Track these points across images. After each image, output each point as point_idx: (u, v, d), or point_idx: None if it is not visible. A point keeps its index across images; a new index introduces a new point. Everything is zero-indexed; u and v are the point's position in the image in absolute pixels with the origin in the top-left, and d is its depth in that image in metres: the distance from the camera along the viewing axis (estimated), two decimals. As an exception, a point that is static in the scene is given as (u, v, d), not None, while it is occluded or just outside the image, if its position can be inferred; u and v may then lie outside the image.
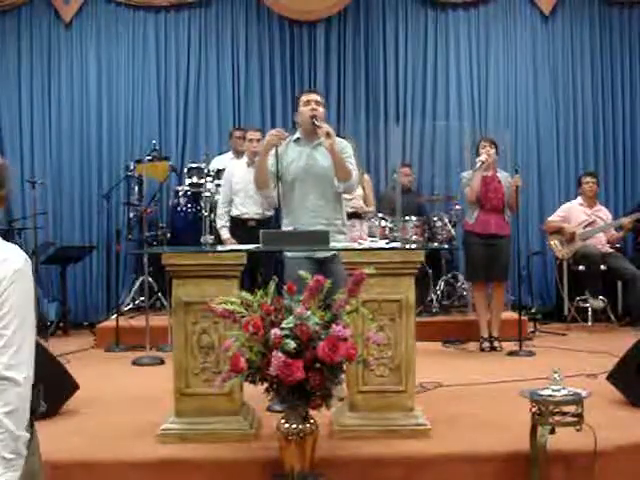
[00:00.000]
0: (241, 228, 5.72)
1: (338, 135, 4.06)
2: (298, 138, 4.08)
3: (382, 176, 7.37)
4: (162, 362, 5.16)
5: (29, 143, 7.42)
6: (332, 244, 3.65)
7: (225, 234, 5.80)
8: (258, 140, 5.68)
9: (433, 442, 3.25)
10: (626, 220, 6.64)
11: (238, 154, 6.36)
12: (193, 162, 7.04)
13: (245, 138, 6.04)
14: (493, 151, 5.67)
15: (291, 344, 2.68)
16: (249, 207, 5.79)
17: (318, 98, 4.06)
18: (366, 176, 5.65)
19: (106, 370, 5.14)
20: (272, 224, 5.76)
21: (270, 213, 5.85)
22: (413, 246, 3.90)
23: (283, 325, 2.74)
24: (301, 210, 3.97)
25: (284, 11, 7.48)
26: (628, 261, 6.56)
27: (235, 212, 5.84)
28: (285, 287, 2.90)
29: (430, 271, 6.49)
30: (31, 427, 1.95)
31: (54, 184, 7.36)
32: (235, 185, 5.79)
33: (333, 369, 2.77)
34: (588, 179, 6.77)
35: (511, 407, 3.50)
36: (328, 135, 3.83)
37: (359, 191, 5.57)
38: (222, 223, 5.87)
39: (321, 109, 4.01)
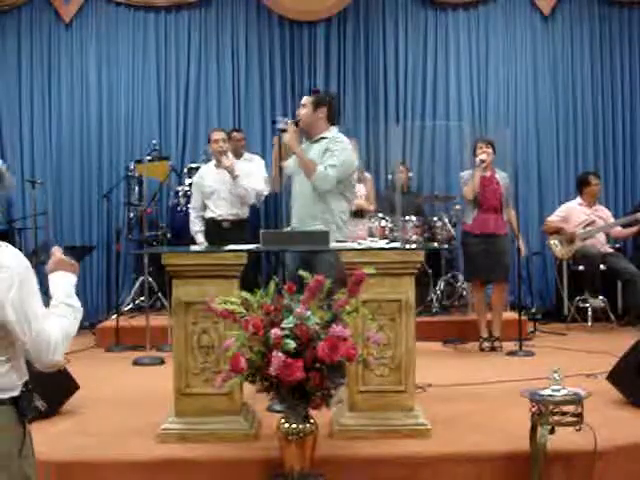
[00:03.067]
0: (216, 230, 5.72)
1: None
2: None
3: (382, 176, 7.37)
4: (162, 362, 5.17)
5: (29, 143, 7.41)
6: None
7: (200, 238, 5.81)
8: (224, 140, 5.71)
9: (433, 442, 3.25)
10: None
11: (237, 156, 6.38)
12: (193, 162, 7.05)
13: (231, 138, 6.08)
14: (490, 151, 5.69)
15: (291, 344, 2.68)
16: (222, 209, 5.78)
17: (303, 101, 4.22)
18: (367, 174, 5.63)
19: (106, 370, 5.14)
20: (247, 225, 5.79)
21: (245, 214, 5.87)
22: (413, 246, 3.90)
23: (283, 325, 2.74)
24: (296, 206, 4.18)
25: (284, 11, 7.48)
26: (628, 261, 6.56)
27: (209, 214, 5.84)
28: (285, 287, 2.91)
29: (430, 271, 6.49)
30: (24, 429, 1.94)
31: (54, 184, 7.36)
32: (207, 188, 5.79)
33: (333, 369, 2.77)
34: (597, 180, 6.77)
35: (511, 407, 3.51)
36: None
37: (361, 190, 5.54)
38: (196, 228, 5.88)
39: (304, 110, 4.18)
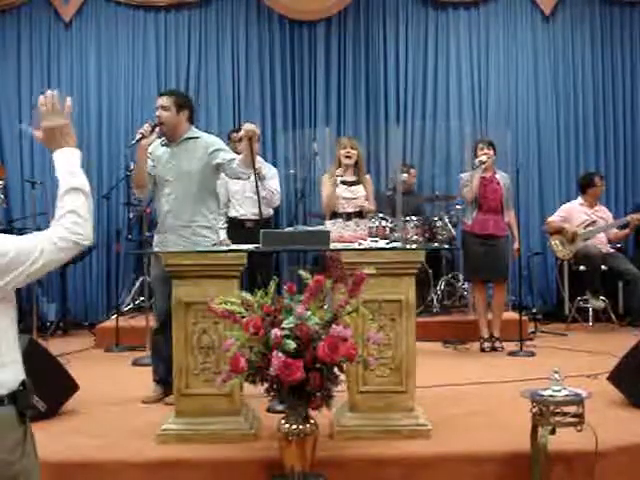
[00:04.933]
0: (239, 229, 5.70)
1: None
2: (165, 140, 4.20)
3: (382, 176, 7.36)
4: (162, 362, 5.16)
5: (29, 143, 7.40)
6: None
7: (222, 235, 5.79)
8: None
9: (433, 442, 3.25)
10: (635, 216, 6.61)
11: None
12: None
13: (231, 139, 6.07)
14: (491, 152, 5.69)
15: (291, 344, 2.68)
16: (247, 208, 5.77)
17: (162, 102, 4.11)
18: (367, 176, 5.60)
19: (106, 370, 5.14)
20: (270, 224, 5.74)
21: (268, 214, 5.85)
22: (413, 246, 3.90)
23: (283, 325, 2.73)
24: (163, 210, 4.12)
25: (284, 11, 7.47)
26: (629, 261, 6.55)
27: (233, 213, 5.83)
28: (285, 287, 2.90)
29: (430, 271, 6.48)
30: (24, 426, 1.94)
31: (54, 184, 7.30)
32: (233, 186, 5.77)
33: (333, 369, 2.77)
34: (602, 182, 6.77)
35: (511, 407, 3.50)
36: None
37: (362, 191, 5.51)
38: (219, 225, 5.85)
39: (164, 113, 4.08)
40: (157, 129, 4.06)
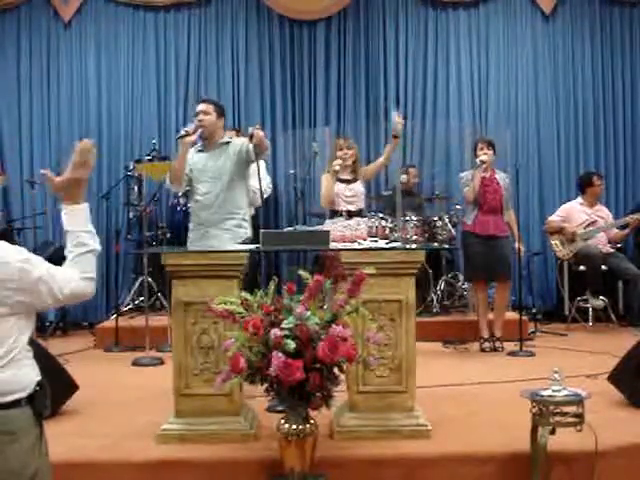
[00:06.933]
0: None
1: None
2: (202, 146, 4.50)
3: (382, 176, 7.36)
4: (162, 362, 5.16)
5: (29, 143, 7.40)
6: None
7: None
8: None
9: (433, 442, 3.24)
10: (635, 216, 6.61)
11: None
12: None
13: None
14: (491, 152, 5.69)
15: (291, 344, 2.68)
16: None
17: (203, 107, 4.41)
18: (365, 167, 5.68)
19: (106, 370, 5.14)
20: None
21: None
22: (413, 246, 3.90)
23: (283, 325, 2.73)
24: (202, 207, 4.39)
25: (284, 10, 7.47)
26: (629, 261, 6.55)
27: None
28: (285, 287, 2.91)
29: (430, 271, 6.48)
30: (40, 427, 1.95)
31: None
32: None
33: (333, 369, 2.77)
34: (600, 181, 6.77)
35: (511, 407, 3.49)
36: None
37: (361, 188, 5.50)
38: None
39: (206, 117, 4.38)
40: (199, 131, 4.33)
